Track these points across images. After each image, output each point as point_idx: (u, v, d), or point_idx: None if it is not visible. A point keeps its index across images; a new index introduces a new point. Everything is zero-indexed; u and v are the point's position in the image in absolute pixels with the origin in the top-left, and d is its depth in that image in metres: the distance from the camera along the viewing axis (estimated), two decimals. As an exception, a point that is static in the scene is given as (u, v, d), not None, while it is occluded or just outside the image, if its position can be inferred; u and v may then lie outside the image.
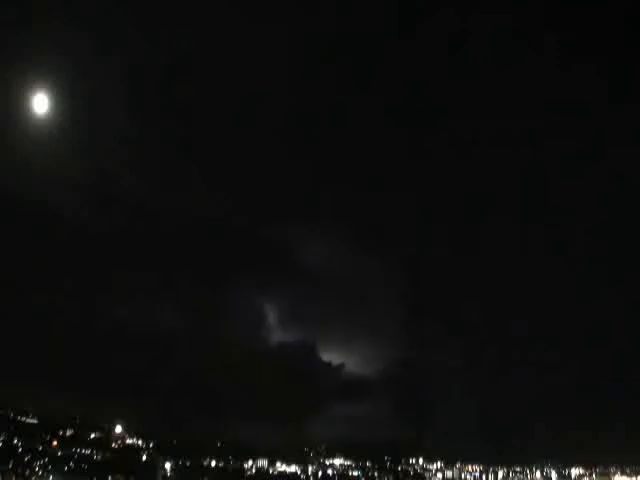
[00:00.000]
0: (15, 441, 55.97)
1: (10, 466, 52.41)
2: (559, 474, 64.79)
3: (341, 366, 69.72)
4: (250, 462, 62.27)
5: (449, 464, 64.84)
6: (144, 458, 60.16)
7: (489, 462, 64.19)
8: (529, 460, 64.37)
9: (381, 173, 69.51)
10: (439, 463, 64.59)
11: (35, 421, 58.44)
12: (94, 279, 60.00)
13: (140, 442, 60.86)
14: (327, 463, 64.34)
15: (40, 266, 56.69)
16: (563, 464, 64.26)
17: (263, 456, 62.77)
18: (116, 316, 60.50)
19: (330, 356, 69.45)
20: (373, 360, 66.49)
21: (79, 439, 59.06)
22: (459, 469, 64.83)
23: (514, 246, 68.30)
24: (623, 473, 62.97)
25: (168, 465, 58.92)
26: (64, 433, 59.14)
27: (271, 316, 68.99)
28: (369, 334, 67.32)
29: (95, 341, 58.26)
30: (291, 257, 71.31)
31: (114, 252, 60.99)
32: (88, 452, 58.57)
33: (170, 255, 63.40)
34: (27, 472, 52.91)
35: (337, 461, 64.62)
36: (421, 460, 64.15)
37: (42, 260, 56.51)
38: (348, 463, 64.45)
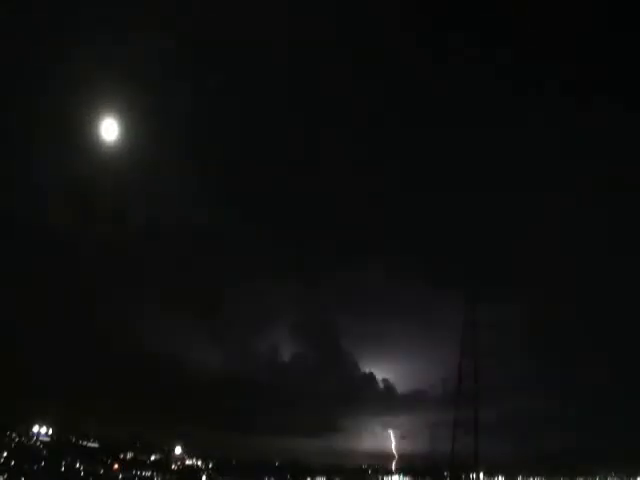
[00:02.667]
0: (77, 465, 56.76)
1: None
2: (624, 484, 63.26)
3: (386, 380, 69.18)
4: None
5: (509, 478, 63.74)
6: (204, 478, 60.54)
7: (551, 475, 63.07)
8: (592, 471, 63.08)
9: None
10: (500, 478, 63.50)
11: (96, 445, 59.18)
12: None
13: (199, 462, 61.29)
14: (385, 480, 63.89)
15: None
16: (627, 474, 62.81)
17: (321, 474, 62.50)
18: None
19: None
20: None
21: (139, 462, 59.67)
22: (520, 483, 63.69)
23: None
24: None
25: (227, 485, 59.32)
26: (125, 456, 59.84)
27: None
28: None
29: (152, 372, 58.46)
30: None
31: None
32: (149, 474, 59.21)
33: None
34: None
35: (395, 478, 63.97)
36: (482, 475, 63.00)
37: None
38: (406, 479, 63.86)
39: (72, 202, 52.83)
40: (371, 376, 69.45)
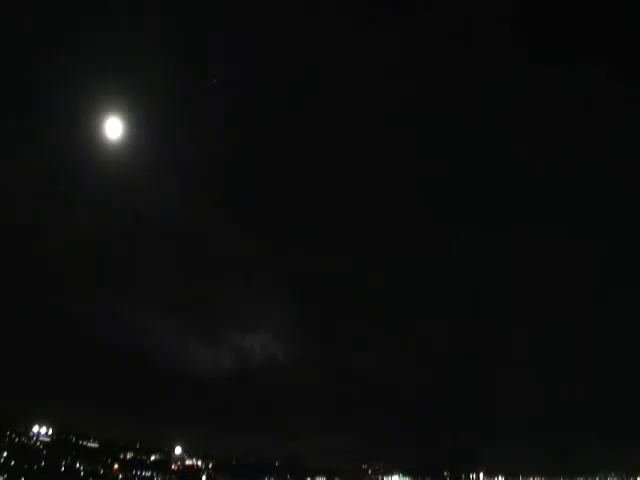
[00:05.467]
0: (77, 465, 56.90)
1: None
2: (623, 484, 63.20)
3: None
4: (308, 480, 62.24)
5: (509, 478, 63.78)
6: (204, 478, 60.58)
7: (551, 475, 63.07)
8: (592, 471, 63.07)
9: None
10: (500, 478, 63.54)
11: (96, 445, 59.24)
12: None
13: (199, 462, 61.31)
14: (385, 481, 63.97)
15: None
16: (627, 474, 62.81)
17: (321, 474, 62.52)
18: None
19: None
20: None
21: (139, 462, 59.76)
22: (519, 483, 63.71)
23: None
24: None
25: (227, 485, 59.46)
26: (124, 456, 59.88)
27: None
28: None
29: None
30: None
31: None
32: (148, 474, 59.31)
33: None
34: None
35: (395, 478, 64.00)
36: (482, 475, 63.11)
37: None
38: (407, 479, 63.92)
39: (73, 202, 52.96)
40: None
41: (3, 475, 51.69)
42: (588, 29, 58.07)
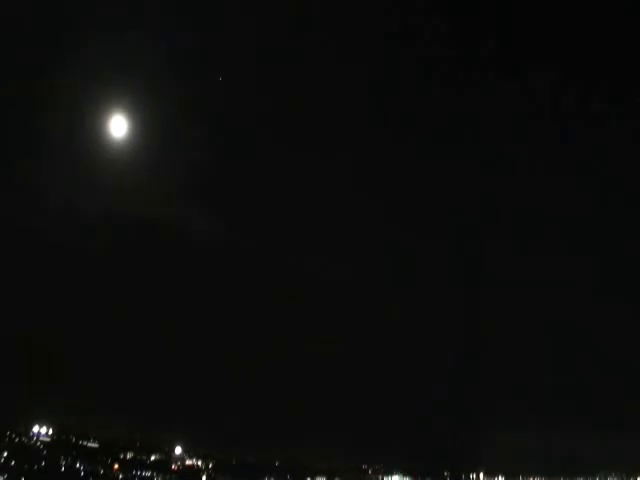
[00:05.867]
0: (77, 465, 56.93)
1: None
2: (623, 483, 63.26)
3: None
4: (308, 480, 62.13)
5: (510, 478, 63.83)
6: (204, 478, 60.57)
7: (551, 475, 63.13)
8: (593, 471, 63.11)
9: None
10: (500, 478, 63.62)
11: (96, 445, 59.21)
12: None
13: (199, 463, 61.27)
14: (385, 480, 64.00)
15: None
16: (627, 473, 62.83)
17: (321, 474, 62.53)
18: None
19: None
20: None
21: (139, 462, 59.73)
22: (519, 484, 63.80)
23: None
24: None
25: (228, 485, 59.41)
26: (125, 456, 59.85)
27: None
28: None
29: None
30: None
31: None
32: (148, 474, 59.29)
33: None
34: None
35: (395, 478, 64.04)
36: (482, 475, 63.19)
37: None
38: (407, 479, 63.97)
39: (75, 203, 52.92)
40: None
41: (3, 475, 51.77)
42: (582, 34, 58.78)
